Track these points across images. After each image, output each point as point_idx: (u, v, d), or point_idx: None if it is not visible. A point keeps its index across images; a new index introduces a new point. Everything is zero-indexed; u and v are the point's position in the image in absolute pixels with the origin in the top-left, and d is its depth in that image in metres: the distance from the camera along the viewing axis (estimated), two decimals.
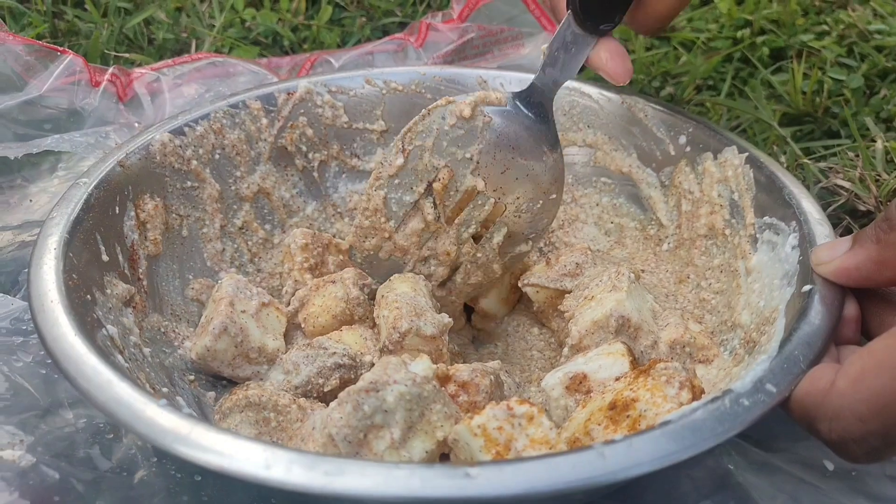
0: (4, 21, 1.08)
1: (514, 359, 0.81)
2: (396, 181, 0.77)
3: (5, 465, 0.62)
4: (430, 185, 0.77)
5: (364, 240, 0.80)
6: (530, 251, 0.79)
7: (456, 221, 0.77)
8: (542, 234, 0.79)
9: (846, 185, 0.87)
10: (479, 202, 0.76)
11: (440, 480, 0.46)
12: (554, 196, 0.77)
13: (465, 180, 0.76)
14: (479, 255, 0.78)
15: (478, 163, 0.75)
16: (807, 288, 0.62)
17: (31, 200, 0.88)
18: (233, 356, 0.71)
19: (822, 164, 0.91)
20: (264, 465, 0.46)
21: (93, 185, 0.72)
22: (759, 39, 1.13)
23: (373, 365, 0.71)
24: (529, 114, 0.77)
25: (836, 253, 0.61)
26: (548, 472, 0.46)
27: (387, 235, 0.79)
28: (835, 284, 0.61)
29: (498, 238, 0.77)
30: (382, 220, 0.78)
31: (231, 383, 0.73)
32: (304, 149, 0.88)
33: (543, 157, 0.76)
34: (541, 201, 0.77)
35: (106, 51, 1.07)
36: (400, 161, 0.77)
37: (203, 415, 0.68)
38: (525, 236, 0.78)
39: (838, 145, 0.96)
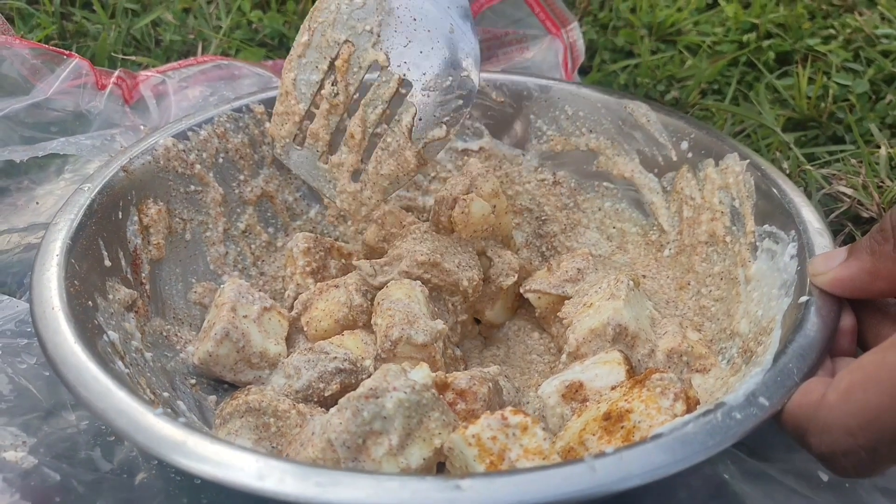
0: (13, 23, 1.09)
1: (514, 362, 0.82)
2: (304, 60, 0.75)
3: (7, 466, 0.63)
4: (333, 62, 0.75)
5: (280, 127, 0.78)
6: (447, 138, 0.73)
7: (362, 102, 0.74)
8: (459, 118, 0.73)
9: (848, 191, 0.87)
10: (384, 78, 0.73)
11: (431, 493, 0.46)
12: (466, 73, 0.73)
13: (367, 55, 0.73)
14: (388, 139, 0.74)
15: (378, 35, 0.73)
16: (803, 299, 0.62)
17: (37, 203, 0.88)
18: (234, 361, 0.72)
19: (826, 171, 0.91)
20: (257, 476, 0.47)
21: (96, 190, 0.72)
22: (765, 43, 1.13)
23: (374, 370, 0.71)
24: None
25: (831, 264, 0.61)
26: (538, 485, 0.47)
27: (298, 119, 0.76)
28: (831, 295, 0.61)
29: (407, 119, 0.73)
30: (293, 102, 0.76)
31: (232, 387, 0.73)
32: None
33: (451, 30, 0.73)
34: (450, 77, 0.72)
35: (113, 53, 1.08)
36: (305, 38, 0.75)
37: (204, 419, 0.69)
38: (438, 119, 0.73)
39: (842, 151, 0.96)
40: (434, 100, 0.72)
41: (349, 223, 0.90)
